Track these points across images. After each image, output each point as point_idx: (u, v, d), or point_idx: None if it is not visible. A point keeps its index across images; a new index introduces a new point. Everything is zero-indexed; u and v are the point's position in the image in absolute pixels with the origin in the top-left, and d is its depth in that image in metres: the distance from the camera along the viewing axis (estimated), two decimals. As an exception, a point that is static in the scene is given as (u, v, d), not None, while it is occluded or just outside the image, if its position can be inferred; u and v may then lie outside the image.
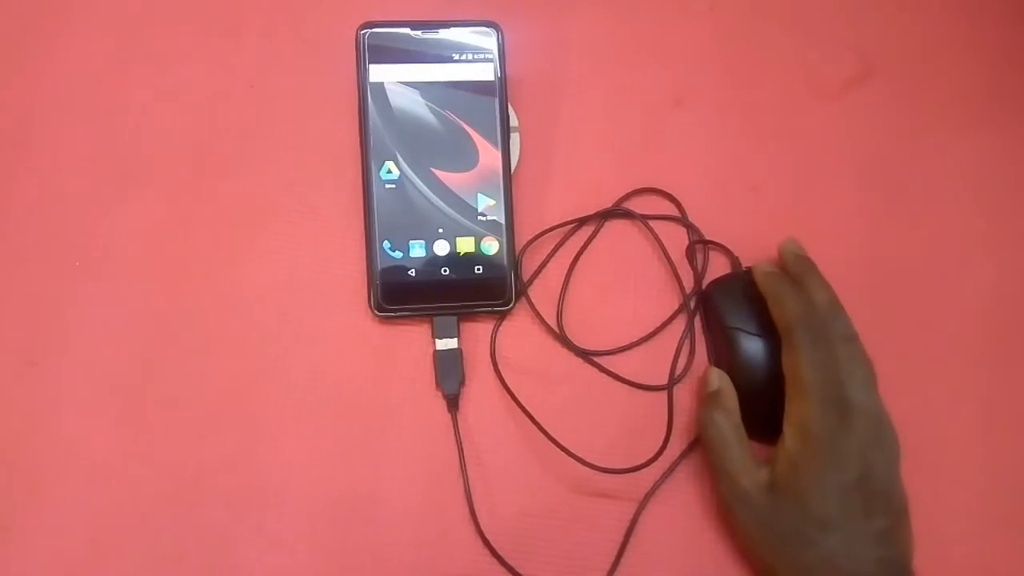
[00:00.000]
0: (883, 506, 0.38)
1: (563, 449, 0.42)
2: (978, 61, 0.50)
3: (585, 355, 0.44)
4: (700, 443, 0.43)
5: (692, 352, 0.44)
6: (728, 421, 0.40)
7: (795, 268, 0.43)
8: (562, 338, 0.44)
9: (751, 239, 0.46)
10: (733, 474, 0.39)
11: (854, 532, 0.37)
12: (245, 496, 0.41)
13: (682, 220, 0.46)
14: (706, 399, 0.41)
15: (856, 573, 0.36)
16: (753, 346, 0.42)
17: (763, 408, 0.40)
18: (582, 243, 0.46)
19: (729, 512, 0.40)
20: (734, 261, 0.46)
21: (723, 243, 0.46)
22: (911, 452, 0.40)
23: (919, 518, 0.39)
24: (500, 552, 0.41)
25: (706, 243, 0.46)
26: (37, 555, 0.40)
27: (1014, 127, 0.49)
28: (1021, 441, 0.44)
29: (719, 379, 0.41)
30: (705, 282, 0.45)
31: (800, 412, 0.38)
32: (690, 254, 0.46)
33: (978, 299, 0.46)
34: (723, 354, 0.43)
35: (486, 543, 0.41)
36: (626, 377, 0.43)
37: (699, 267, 0.45)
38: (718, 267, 0.46)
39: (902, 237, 0.47)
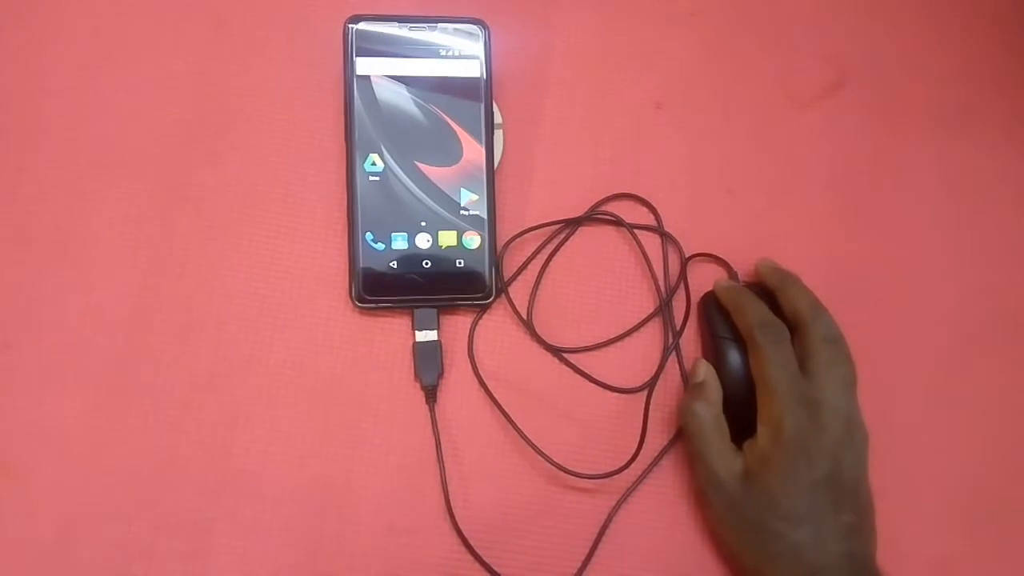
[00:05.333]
0: (851, 502, 0.39)
1: (537, 451, 0.42)
2: (947, 71, 0.52)
3: (556, 352, 0.45)
4: (680, 436, 0.44)
5: (665, 356, 0.45)
6: (709, 411, 0.41)
7: (773, 281, 0.44)
8: (533, 334, 0.45)
9: (725, 241, 0.47)
10: (710, 462, 0.40)
11: (822, 526, 0.38)
12: (220, 483, 0.41)
13: (658, 228, 0.47)
14: (691, 390, 0.42)
15: (821, 565, 0.38)
16: (741, 355, 0.42)
17: (746, 416, 0.41)
18: (562, 243, 0.47)
19: (704, 498, 0.41)
20: (732, 274, 0.46)
21: (716, 254, 0.47)
22: (877, 451, 0.41)
23: (883, 515, 0.40)
24: (473, 544, 0.41)
25: (705, 256, 0.47)
26: (9, 539, 0.40)
27: (982, 136, 0.51)
28: (985, 442, 0.46)
29: (705, 371, 0.42)
30: (693, 288, 0.46)
31: (770, 411, 0.39)
32: (683, 266, 0.46)
33: (946, 303, 0.48)
34: (713, 361, 0.44)
35: (460, 534, 0.42)
36: (598, 377, 0.44)
37: (685, 274, 0.46)
38: (702, 277, 0.46)
39: (873, 242, 0.48)
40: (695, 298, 0.46)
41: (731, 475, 0.40)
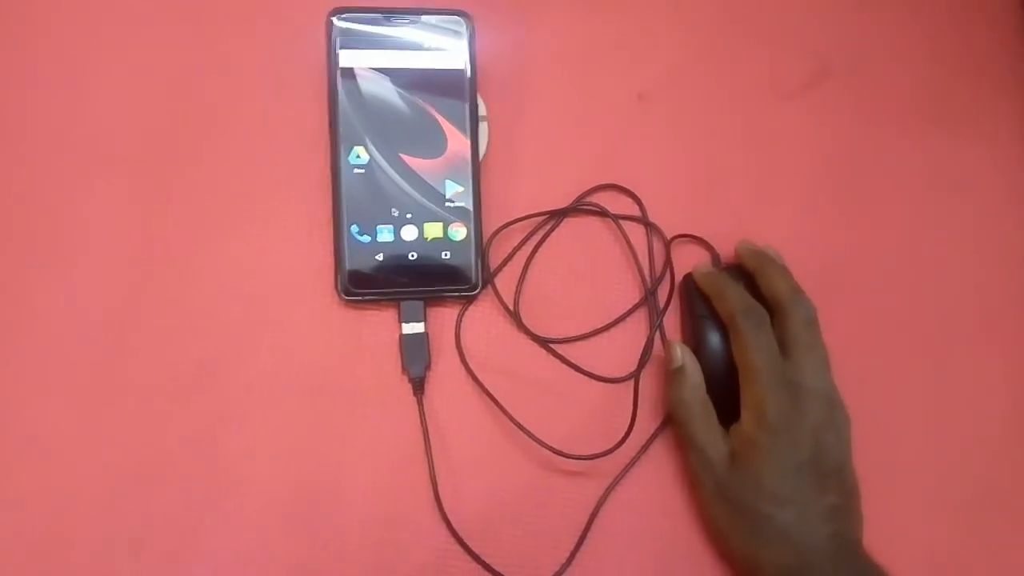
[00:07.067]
0: (835, 483, 0.39)
1: (528, 433, 0.42)
2: (931, 64, 0.52)
3: (543, 343, 0.45)
4: (669, 422, 0.44)
5: (651, 342, 0.45)
6: (695, 396, 0.42)
7: (752, 263, 0.44)
8: (520, 325, 0.45)
9: (710, 230, 0.47)
10: (700, 445, 0.41)
11: (807, 507, 0.38)
12: (208, 480, 0.41)
13: (642, 219, 0.47)
14: (672, 376, 0.43)
15: (808, 546, 0.38)
16: (720, 334, 0.43)
17: (729, 392, 0.42)
18: (548, 234, 0.47)
19: (696, 481, 0.42)
20: (714, 256, 0.47)
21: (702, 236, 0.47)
22: (861, 437, 0.41)
23: (868, 500, 0.41)
24: (463, 534, 0.42)
25: (687, 238, 0.47)
26: (-5, 538, 0.40)
27: (964, 126, 0.51)
28: (969, 429, 0.47)
29: (683, 354, 0.42)
30: (678, 275, 0.46)
31: (753, 395, 0.40)
32: (667, 248, 0.47)
33: (929, 290, 0.49)
34: (694, 341, 0.44)
35: (449, 526, 0.42)
36: (585, 367, 0.44)
37: (670, 262, 0.46)
38: (686, 264, 0.47)
39: (857, 230, 0.49)
40: (679, 282, 0.46)
41: (720, 457, 0.40)
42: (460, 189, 0.44)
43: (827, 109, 0.50)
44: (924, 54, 0.52)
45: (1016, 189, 0.51)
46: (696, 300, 0.44)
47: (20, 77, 0.45)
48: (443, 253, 0.44)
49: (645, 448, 0.44)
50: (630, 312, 0.46)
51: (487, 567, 0.41)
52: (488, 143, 0.47)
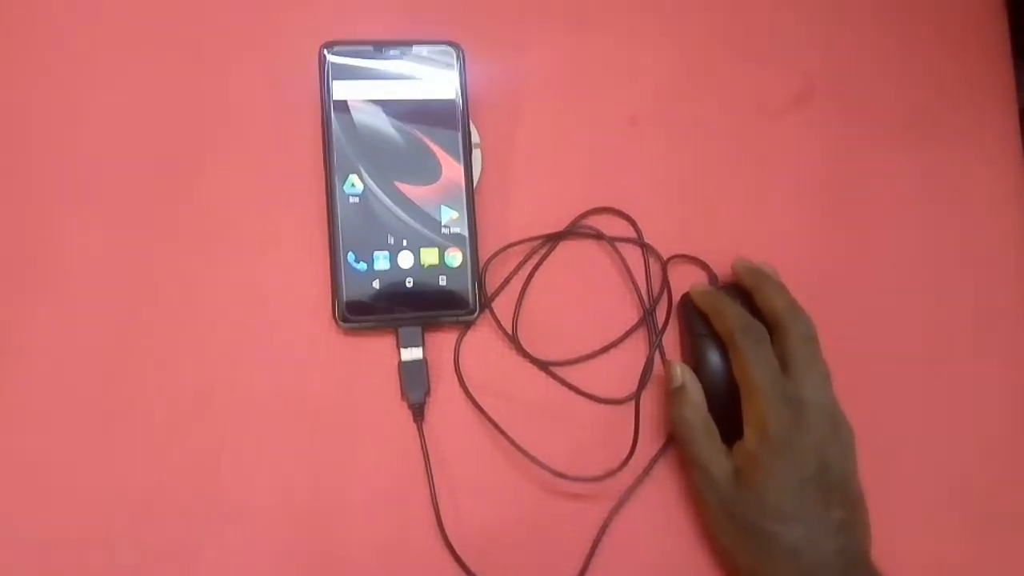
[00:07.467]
0: (841, 498, 0.39)
1: (529, 457, 0.42)
2: (917, 77, 0.53)
3: (543, 366, 0.45)
4: (672, 442, 0.44)
5: (651, 362, 0.45)
6: (696, 415, 0.41)
7: (749, 281, 0.44)
8: (518, 348, 0.45)
9: (704, 249, 0.48)
10: (704, 463, 0.40)
11: (814, 524, 0.38)
12: (206, 508, 0.41)
13: (638, 240, 0.48)
14: (672, 395, 0.42)
15: (817, 563, 0.37)
16: (720, 352, 0.43)
17: (731, 411, 0.41)
18: (544, 258, 0.47)
19: (701, 501, 0.41)
20: (711, 275, 0.47)
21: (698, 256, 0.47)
22: (862, 449, 0.41)
23: (873, 512, 0.40)
24: (466, 560, 0.41)
25: (683, 258, 0.47)
26: (-8, 574, 0.39)
27: (950, 139, 0.52)
28: (966, 435, 0.46)
29: (682, 373, 0.42)
30: (675, 295, 0.46)
31: (755, 412, 0.40)
32: (663, 268, 0.47)
33: (924, 301, 0.49)
34: (694, 360, 0.44)
35: (452, 552, 0.41)
36: (586, 389, 0.44)
37: (667, 282, 0.46)
38: (684, 284, 0.47)
39: (850, 244, 0.49)
40: (676, 302, 0.46)
41: (724, 475, 0.40)
42: (455, 215, 0.44)
43: (816, 125, 0.51)
44: (910, 68, 0.53)
45: (1007, 198, 0.51)
46: (695, 319, 0.44)
47: (14, 104, 0.46)
48: (440, 279, 0.44)
49: (648, 469, 0.44)
50: (629, 333, 0.46)
51: (492, 594, 0.41)
52: (482, 169, 0.47)
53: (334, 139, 0.44)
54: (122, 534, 0.40)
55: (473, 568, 0.41)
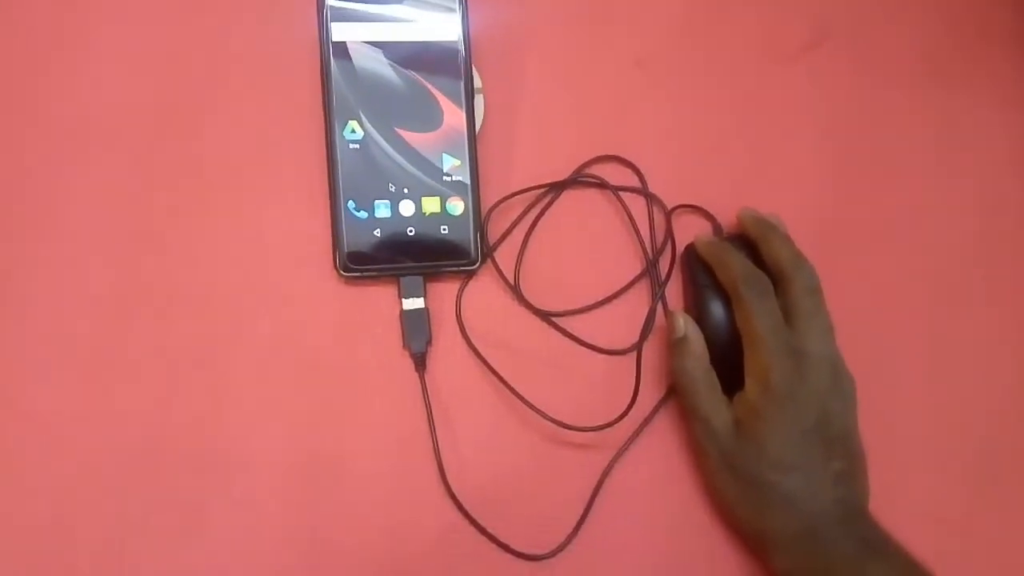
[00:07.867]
0: (841, 449, 0.39)
1: (531, 406, 0.42)
2: (930, 22, 0.51)
3: (545, 316, 0.45)
4: (673, 393, 0.44)
5: (653, 313, 0.45)
6: (698, 366, 0.41)
7: (755, 231, 0.44)
8: (520, 298, 0.45)
9: (711, 199, 0.47)
10: (705, 415, 0.41)
11: (813, 474, 0.38)
12: (212, 458, 0.41)
13: (642, 190, 0.47)
14: (674, 346, 0.42)
15: (815, 512, 0.38)
16: (723, 303, 0.42)
17: (733, 362, 0.41)
18: (547, 207, 0.46)
19: (701, 452, 0.42)
20: (716, 225, 0.46)
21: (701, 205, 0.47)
22: (865, 400, 0.41)
23: (873, 462, 0.41)
24: (469, 508, 0.42)
25: (688, 208, 0.47)
26: (4, 523, 0.40)
27: (967, 84, 0.50)
28: (969, 388, 0.46)
29: (685, 324, 0.42)
30: (679, 246, 0.46)
31: (757, 363, 0.40)
32: (668, 218, 0.46)
33: (933, 253, 0.48)
34: (696, 311, 0.44)
35: (455, 501, 0.42)
36: (588, 339, 0.44)
37: (671, 232, 0.46)
38: (688, 234, 0.46)
39: (861, 191, 0.48)
40: (680, 252, 0.46)
41: (725, 426, 0.40)
42: (457, 163, 0.44)
43: (827, 72, 0.50)
44: (923, 12, 0.51)
45: (1022, 147, 0.50)
46: (698, 270, 0.44)
47: (14, 50, 0.45)
48: (441, 228, 0.43)
49: (649, 419, 0.44)
50: (632, 284, 0.46)
51: (495, 540, 0.41)
52: (484, 115, 0.46)
53: (333, 83, 0.42)
54: (130, 485, 0.41)
55: (476, 516, 0.41)
